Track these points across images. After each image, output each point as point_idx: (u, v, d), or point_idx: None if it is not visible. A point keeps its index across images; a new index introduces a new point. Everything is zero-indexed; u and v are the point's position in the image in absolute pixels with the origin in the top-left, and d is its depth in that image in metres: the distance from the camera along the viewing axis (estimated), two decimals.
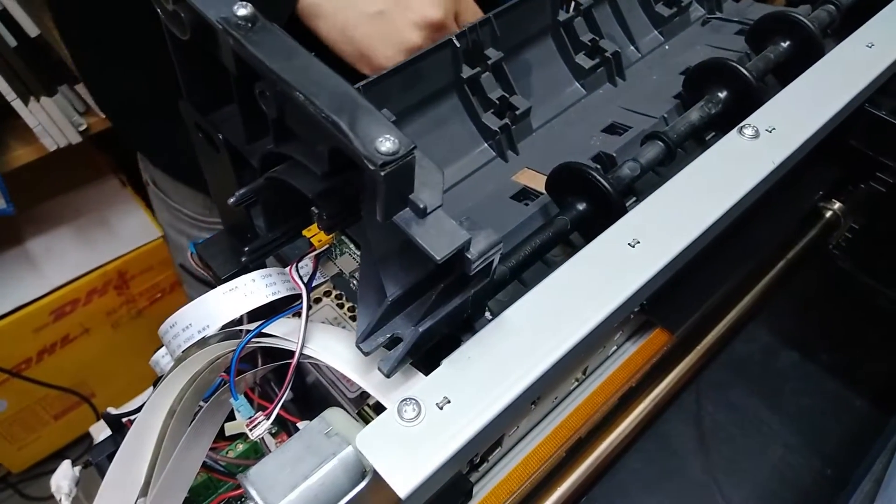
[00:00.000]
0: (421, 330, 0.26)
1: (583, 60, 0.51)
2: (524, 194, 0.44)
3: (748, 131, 0.36)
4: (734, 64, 0.43)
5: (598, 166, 0.45)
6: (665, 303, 0.40)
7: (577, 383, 0.39)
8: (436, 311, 0.26)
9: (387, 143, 0.22)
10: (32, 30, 1.03)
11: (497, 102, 0.46)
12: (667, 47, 0.55)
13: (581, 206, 0.38)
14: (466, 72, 0.45)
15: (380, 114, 0.23)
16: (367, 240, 0.27)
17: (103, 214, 1.42)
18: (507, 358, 0.27)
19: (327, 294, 0.41)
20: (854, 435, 0.53)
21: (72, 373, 1.40)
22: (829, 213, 0.49)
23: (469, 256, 0.25)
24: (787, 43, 0.47)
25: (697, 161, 0.34)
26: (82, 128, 1.19)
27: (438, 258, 0.23)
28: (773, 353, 0.59)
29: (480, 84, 0.46)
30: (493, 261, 0.26)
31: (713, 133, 0.47)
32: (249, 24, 0.25)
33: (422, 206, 0.24)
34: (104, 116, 1.16)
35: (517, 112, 0.47)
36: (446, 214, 0.25)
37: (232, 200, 0.31)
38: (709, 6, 0.58)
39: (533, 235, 0.38)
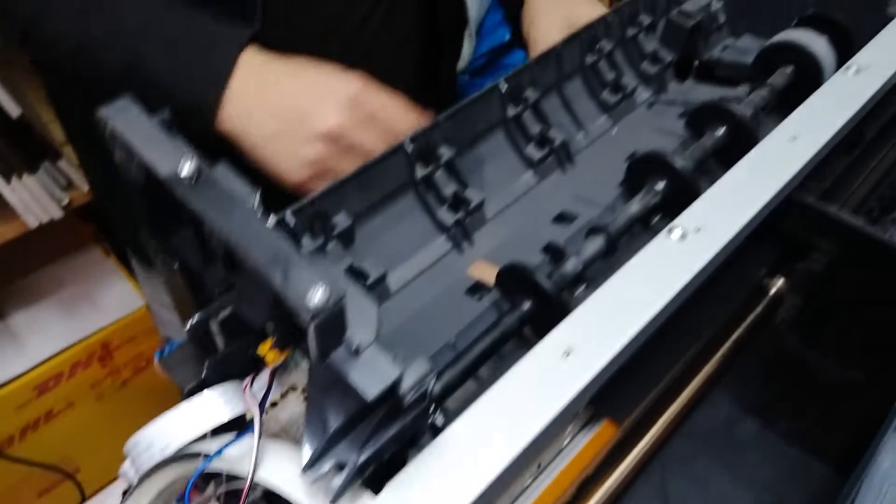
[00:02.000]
0: (362, 458, 0.28)
1: (533, 151, 0.53)
2: (478, 288, 0.46)
3: (676, 233, 0.38)
4: (668, 158, 0.46)
5: (548, 256, 0.47)
6: (611, 395, 0.41)
7: (531, 479, 0.40)
8: (376, 437, 0.28)
9: (317, 295, 0.24)
10: (14, 110, 1.05)
11: (451, 198, 0.49)
12: (614, 131, 0.58)
13: (527, 306, 0.40)
14: (420, 171, 0.48)
15: (312, 265, 0.25)
16: (311, 370, 0.28)
17: (86, 285, 1.43)
18: (449, 478, 0.28)
19: (293, 389, 0.42)
20: (817, 502, 0.54)
21: (56, 448, 1.39)
22: (773, 290, 0.52)
23: (402, 390, 0.26)
24: (722, 130, 0.50)
25: (628, 265, 0.36)
26: (64, 202, 1.20)
27: (369, 398, 0.25)
28: (735, 422, 0.60)
29: (434, 181, 0.48)
30: (426, 388, 0.28)
31: (658, 216, 0.50)
32: (193, 180, 0.27)
33: (354, 346, 0.26)
34: (86, 191, 1.18)
35: (471, 206, 0.49)
36: (380, 349, 0.26)
37: (187, 328, 0.33)
38: (654, 89, 0.61)
39: (483, 336, 0.39)
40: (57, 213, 1.20)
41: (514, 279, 0.41)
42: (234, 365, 0.37)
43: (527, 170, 0.54)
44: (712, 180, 0.42)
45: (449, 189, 0.48)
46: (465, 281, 0.47)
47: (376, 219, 0.47)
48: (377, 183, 0.46)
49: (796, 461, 0.57)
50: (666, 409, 0.47)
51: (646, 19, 0.60)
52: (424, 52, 0.69)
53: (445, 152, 0.48)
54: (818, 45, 0.55)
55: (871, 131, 0.52)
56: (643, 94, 0.61)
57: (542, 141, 0.54)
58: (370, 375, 0.25)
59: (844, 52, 0.56)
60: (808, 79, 0.55)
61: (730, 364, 0.54)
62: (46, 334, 1.40)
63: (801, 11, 0.61)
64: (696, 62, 0.64)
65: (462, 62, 1.41)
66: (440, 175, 0.49)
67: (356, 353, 0.26)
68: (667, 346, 0.46)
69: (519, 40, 0.72)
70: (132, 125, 0.27)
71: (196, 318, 0.32)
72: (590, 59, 0.57)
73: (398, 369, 0.26)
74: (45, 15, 0.49)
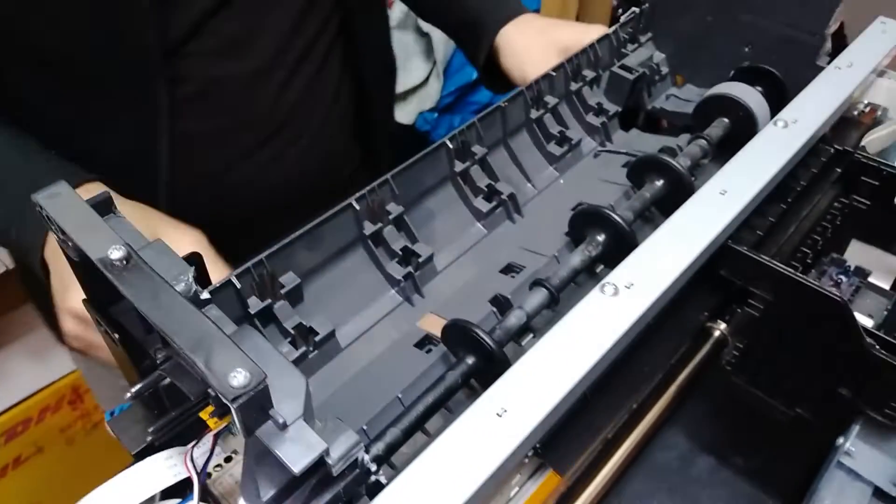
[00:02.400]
0: None
1: (481, 204, 0.55)
2: (428, 340, 0.47)
3: (608, 289, 0.39)
4: (608, 212, 0.48)
5: (494, 308, 0.48)
6: (557, 445, 0.42)
7: None
8: None
9: (238, 378, 0.25)
10: None
11: (400, 253, 0.50)
12: (561, 181, 0.60)
13: (470, 361, 0.41)
14: (368, 228, 0.49)
15: (236, 347, 0.26)
16: (245, 441, 0.29)
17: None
18: None
19: (236, 453, 0.42)
20: None
21: (26, 494, 1.37)
22: (717, 333, 0.53)
23: (329, 462, 0.27)
24: (661, 182, 0.52)
25: (562, 322, 0.38)
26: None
27: (296, 471, 0.26)
28: (690, 459, 0.61)
29: (383, 237, 0.50)
30: (356, 458, 0.29)
31: (602, 266, 0.51)
32: (123, 263, 0.28)
33: (281, 420, 0.27)
34: None
35: (420, 259, 0.50)
36: (307, 424, 0.27)
37: (128, 396, 0.34)
38: (599, 139, 0.64)
39: (428, 391, 0.40)
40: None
41: (457, 335, 0.43)
42: (182, 428, 0.38)
43: (476, 222, 0.56)
44: (655, 227, 0.44)
45: (398, 244, 0.50)
46: (414, 334, 0.48)
47: (326, 275, 0.48)
48: (326, 240, 0.47)
49: (750, 497, 0.58)
50: (614, 454, 0.48)
51: (589, 73, 0.63)
52: (356, 104, 0.72)
53: (394, 209, 0.50)
54: (751, 97, 0.58)
55: (804, 179, 0.54)
56: (589, 144, 0.63)
57: (490, 194, 0.56)
58: (297, 449, 0.26)
59: (779, 102, 0.59)
60: (742, 129, 0.58)
61: (679, 406, 0.55)
62: (15, 379, 1.38)
63: (739, 62, 0.64)
64: (641, 112, 0.67)
65: (430, 101, 1.44)
66: (389, 230, 0.50)
67: (283, 427, 0.27)
68: (613, 393, 0.47)
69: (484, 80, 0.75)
70: (65, 210, 0.28)
71: (137, 387, 0.33)
72: (535, 113, 0.59)
73: (324, 443, 0.27)
74: None
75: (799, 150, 0.50)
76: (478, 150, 0.55)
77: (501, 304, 0.48)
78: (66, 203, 0.29)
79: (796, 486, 0.54)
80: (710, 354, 0.54)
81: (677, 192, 0.52)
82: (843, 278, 0.58)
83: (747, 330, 0.51)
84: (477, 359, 0.41)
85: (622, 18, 0.66)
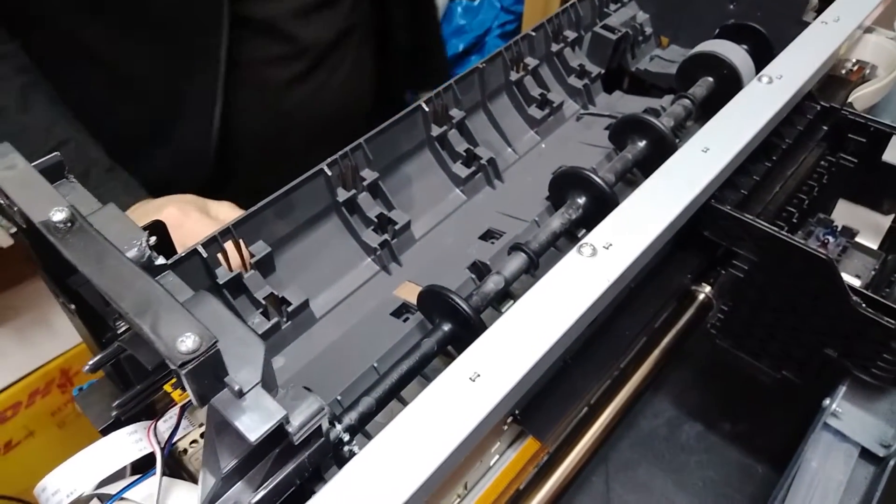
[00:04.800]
0: (257, 497, 0.27)
1: (460, 169, 0.54)
2: (405, 308, 0.46)
3: (586, 250, 0.38)
4: (588, 173, 0.46)
5: (473, 275, 0.47)
6: (535, 411, 0.41)
7: (459, 500, 0.40)
8: (272, 477, 0.28)
9: (187, 342, 0.23)
10: None
11: (376, 220, 0.48)
12: (543, 146, 0.59)
13: (447, 328, 0.40)
14: (342, 195, 0.47)
15: (185, 311, 0.24)
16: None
17: (42, 312, 1.40)
18: None
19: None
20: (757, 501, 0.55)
21: (17, 479, 1.36)
22: (701, 296, 0.52)
23: (290, 430, 0.26)
24: (644, 142, 0.51)
25: (538, 285, 0.37)
26: (12, 230, 1.18)
27: (252, 439, 0.25)
28: (677, 426, 0.61)
29: (358, 204, 0.48)
30: (320, 426, 0.27)
31: (584, 230, 0.50)
32: (68, 225, 0.27)
33: (237, 387, 0.25)
34: None
35: (397, 227, 0.49)
36: (264, 391, 0.26)
37: (86, 368, 0.33)
38: (582, 101, 0.62)
39: (403, 360, 0.39)
40: (6, 241, 1.18)
41: (432, 302, 0.41)
42: (149, 402, 0.37)
43: (454, 188, 0.54)
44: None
45: (373, 211, 0.48)
46: (391, 303, 0.47)
47: (299, 244, 0.47)
48: (297, 208, 0.46)
49: (738, 462, 0.58)
50: (597, 420, 0.47)
51: (571, 34, 0.61)
52: (383, 72, 0.82)
53: (369, 174, 0.48)
54: (736, 55, 0.56)
55: (789, 137, 0.53)
56: (571, 107, 0.61)
57: (469, 159, 0.54)
58: (254, 417, 0.25)
59: (765, 59, 0.57)
60: (727, 87, 0.56)
61: (665, 370, 0.55)
62: (3, 364, 1.36)
63: (724, 20, 0.63)
64: (625, 74, 0.65)
65: None
66: (364, 197, 0.48)
67: (240, 394, 0.25)
68: (595, 358, 0.46)
69: None
70: (7, 171, 0.27)
71: (94, 360, 0.32)
72: (515, 75, 0.57)
73: (283, 410, 0.26)
74: None
75: (784, 107, 0.48)
76: (455, 113, 0.53)
77: (480, 271, 0.47)
78: (9, 164, 0.27)
79: (784, 449, 0.53)
80: (695, 318, 0.53)
81: (660, 152, 0.50)
82: (830, 238, 0.57)
83: (732, 292, 0.50)
84: (453, 325, 0.40)
85: None
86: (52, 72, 0.61)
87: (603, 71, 0.63)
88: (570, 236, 0.50)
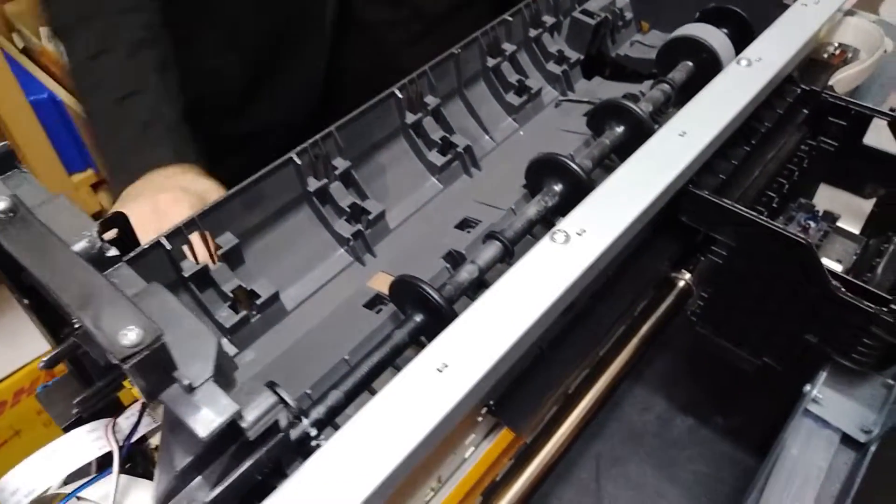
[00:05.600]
0: (212, 495, 0.26)
1: (435, 157, 0.53)
2: (378, 300, 0.45)
3: (559, 237, 0.37)
4: (564, 159, 0.45)
5: (448, 265, 0.46)
6: (510, 402, 0.41)
7: (433, 493, 0.40)
8: (228, 475, 0.27)
9: (130, 336, 0.22)
10: None
11: (348, 210, 0.47)
12: (521, 133, 0.58)
13: (419, 318, 0.39)
14: (313, 184, 0.46)
15: (129, 303, 0.23)
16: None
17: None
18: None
19: None
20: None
21: None
22: (681, 283, 0.52)
23: (244, 425, 0.25)
24: (622, 128, 0.50)
25: (510, 272, 0.36)
26: None
27: (203, 436, 0.24)
28: (668, 420, 0.60)
29: (330, 194, 0.47)
30: (276, 421, 0.26)
31: (561, 217, 0.49)
32: (10, 215, 0.25)
33: (187, 382, 0.24)
34: None
35: (370, 216, 0.48)
36: (217, 385, 0.25)
37: (41, 365, 0.31)
38: (561, 88, 0.61)
39: (374, 351, 0.38)
40: None
41: (404, 292, 0.41)
42: (105, 401, 0.36)
43: (430, 177, 0.53)
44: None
45: (346, 200, 0.47)
46: (366, 294, 0.46)
47: (269, 235, 0.46)
48: (266, 198, 0.45)
49: (729, 455, 0.57)
50: (575, 409, 0.47)
51: (549, 20, 0.60)
52: None
53: (341, 163, 0.47)
54: (715, 38, 0.55)
55: (769, 121, 0.52)
56: (550, 93, 0.60)
57: (445, 147, 0.53)
58: (205, 413, 0.24)
59: (745, 43, 0.56)
60: (707, 72, 0.55)
61: (652, 361, 0.54)
62: None
63: (704, 4, 0.62)
64: (605, 60, 0.64)
65: None
66: (336, 187, 0.47)
67: (190, 389, 0.24)
68: (571, 347, 0.46)
69: None
70: None
71: (49, 356, 0.31)
72: (492, 61, 0.56)
73: (235, 405, 0.25)
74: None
75: (762, 90, 0.47)
76: (431, 100, 0.52)
77: (455, 260, 0.46)
78: None
79: (767, 436, 0.53)
80: (675, 305, 0.52)
81: (638, 137, 0.49)
82: (812, 223, 0.56)
83: (711, 278, 0.49)
84: (425, 315, 0.39)
85: None
86: (173, 29, 0.63)
87: (582, 57, 0.62)
88: (546, 223, 0.49)
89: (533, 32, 0.59)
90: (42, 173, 1.14)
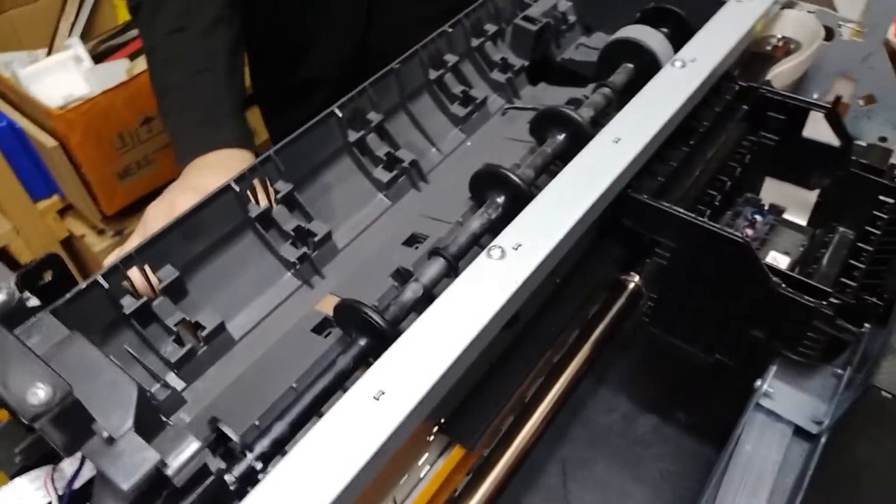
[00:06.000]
0: None
1: (381, 174, 0.52)
2: (327, 323, 0.45)
3: (495, 252, 0.37)
4: (504, 172, 0.46)
5: (396, 283, 0.46)
6: (460, 419, 0.41)
7: None
8: None
9: (39, 394, 0.22)
10: None
11: (293, 233, 0.47)
12: (469, 143, 0.58)
13: (363, 342, 0.39)
14: (254, 210, 0.46)
15: (37, 361, 0.23)
16: None
17: None
18: None
19: None
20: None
21: None
22: (631, 285, 0.52)
23: (169, 473, 0.25)
24: (563, 135, 0.50)
25: (447, 292, 0.36)
26: None
27: (126, 488, 0.24)
28: (632, 420, 0.61)
29: (273, 218, 0.47)
30: (204, 464, 0.26)
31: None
32: None
33: (106, 434, 0.24)
34: None
35: (316, 238, 0.48)
36: (137, 435, 0.25)
37: None
38: (506, 95, 0.61)
39: (319, 378, 0.38)
40: None
41: (347, 316, 0.40)
42: (48, 449, 0.35)
43: (377, 193, 0.53)
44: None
45: (290, 224, 0.47)
46: (314, 318, 0.45)
47: (212, 264, 0.45)
48: (207, 227, 0.44)
49: (693, 451, 0.58)
50: (532, 417, 0.47)
51: (491, 28, 0.60)
52: None
53: (283, 186, 0.47)
54: (654, 39, 0.56)
55: (707, 120, 0.52)
56: (496, 102, 0.61)
57: (391, 162, 0.53)
58: (126, 463, 0.24)
59: (684, 43, 0.57)
60: (647, 74, 0.56)
61: (608, 361, 0.54)
62: None
63: (645, 3, 0.62)
64: (551, 64, 0.64)
65: None
66: (279, 211, 0.47)
67: (110, 441, 0.24)
68: (520, 357, 0.46)
69: None
70: None
71: None
72: (434, 73, 0.56)
73: (157, 455, 0.24)
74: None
75: (697, 90, 0.48)
76: (373, 116, 0.52)
77: (403, 277, 0.46)
78: None
79: (729, 430, 0.53)
80: (627, 307, 0.52)
81: (578, 143, 0.50)
82: (759, 217, 0.57)
83: (658, 280, 0.50)
84: (369, 338, 0.39)
85: None
86: None
87: (527, 63, 0.62)
88: (494, 234, 0.49)
89: (475, 42, 0.59)
90: (6, 202, 1.13)
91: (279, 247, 0.47)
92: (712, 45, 0.50)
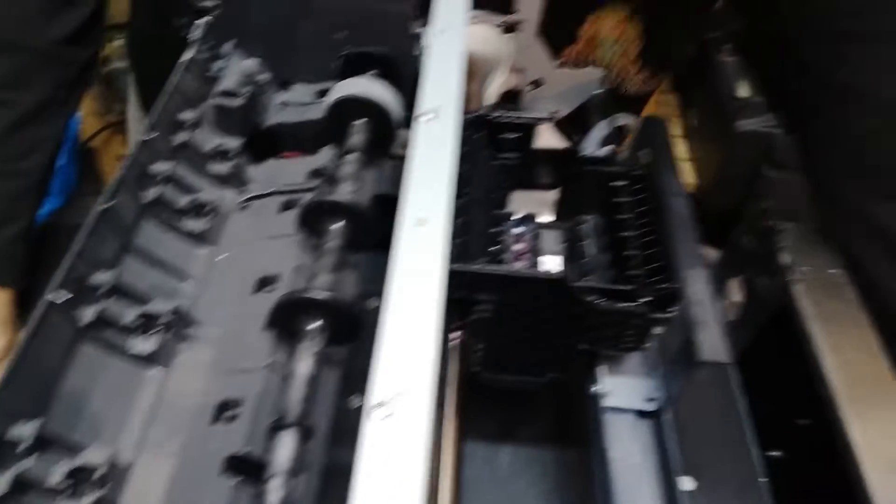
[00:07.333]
0: None
1: (140, 343, 0.40)
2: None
3: (378, 413, 0.31)
4: (313, 297, 0.39)
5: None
6: None
7: None
8: None
9: None
10: None
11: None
12: (223, 256, 0.48)
13: None
14: None
15: None
16: None
17: None
18: None
19: None
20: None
21: None
22: (452, 344, 0.50)
23: None
24: (343, 223, 0.45)
25: None
26: None
27: None
28: (493, 459, 0.60)
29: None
30: None
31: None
32: None
33: None
34: None
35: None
36: None
37: None
38: (237, 185, 0.52)
39: None
40: None
41: None
42: None
43: (144, 370, 0.41)
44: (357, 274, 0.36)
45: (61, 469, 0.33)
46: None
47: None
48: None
49: (566, 464, 0.59)
50: None
51: (189, 116, 0.50)
52: None
53: (28, 429, 0.33)
54: (377, 90, 0.53)
55: (466, 163, 0.52)
56: (229, 197, 0.51)
57: (147, 324, 0.41)
58: None
59: (396, 80, 0.55)
60: (383, 126, 0.53)
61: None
62: None
63: (338, 48, 0.58)
64: (265, 134, 0.56)
65: None
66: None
67: None
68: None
69: None
70: None
71: None
72: (149, 195, 0.44)
73: None
74: None
75: (456, 142, 0.47)
76: (98, 279, 0.39)
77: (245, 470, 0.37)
78: None
79: (584, 428, 0.56)
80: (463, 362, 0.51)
81: (362, 228, 0.45)
82: (522, 228, 0.60)
83: (484, 332, 0.49)
84: None
85: (188, 37, 0.53)
86: None
87: (243, 141, 0.53)
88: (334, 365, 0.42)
89: (180, 138, 0.48)
90: None
91: None
92: (445, 88, 0.49)
